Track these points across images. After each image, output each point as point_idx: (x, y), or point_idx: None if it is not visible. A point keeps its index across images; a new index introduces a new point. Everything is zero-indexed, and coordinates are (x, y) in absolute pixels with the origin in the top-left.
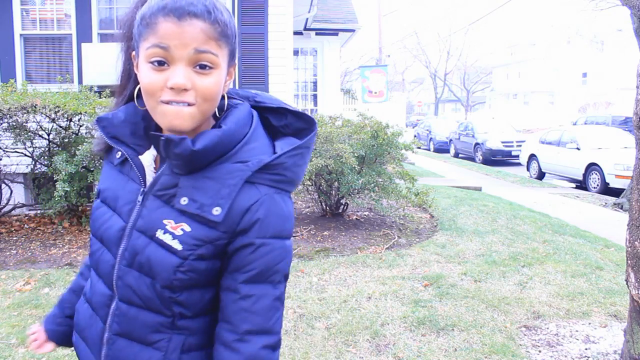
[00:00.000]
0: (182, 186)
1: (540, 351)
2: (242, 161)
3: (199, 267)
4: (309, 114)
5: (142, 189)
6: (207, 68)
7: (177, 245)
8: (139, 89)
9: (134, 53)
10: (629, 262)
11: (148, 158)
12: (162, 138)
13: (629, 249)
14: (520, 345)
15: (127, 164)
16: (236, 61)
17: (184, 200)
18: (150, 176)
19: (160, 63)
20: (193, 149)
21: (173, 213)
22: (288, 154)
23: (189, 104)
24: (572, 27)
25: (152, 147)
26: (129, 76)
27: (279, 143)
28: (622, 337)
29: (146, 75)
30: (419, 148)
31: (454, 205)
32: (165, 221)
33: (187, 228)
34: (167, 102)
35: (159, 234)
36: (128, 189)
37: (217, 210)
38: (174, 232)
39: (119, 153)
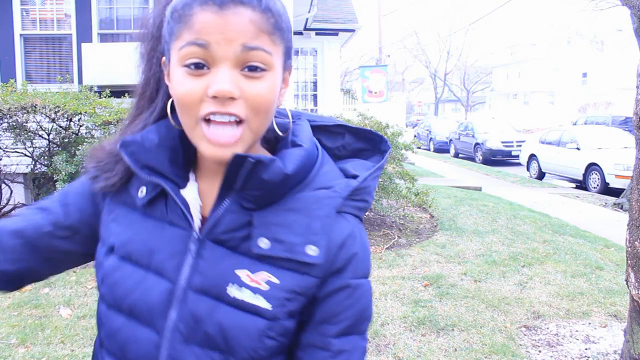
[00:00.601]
0: (258, 224)
1: (540, 351)
2: (324, 187)
3: (289, 328)
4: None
5: (193, 235)
6: (259, 70)
7: (263, 303)
8: (172, 103)
9: (164, 59)
10: (629, 262)
11: (192, 193)
12: (251, 159)
13: (629, 249)
14: (520, 345)
15: (159, 204)
16: (292, 64)
17: (264, 243)
18: (196, 216)
19: (198, 66)
20: (286, 172)
21: (247, 261)
22: (371, 177)
23: (238, 119)
24: (572, 27)
25: (193, 178)
26: (158, 87)
27: (347, 166)
28: (622, 337)
29: (180, 82)
30: (419, 148)
31: (454, 205)
32: (238, 273)
33: (274, 279)
34: (208, 117)
35: (232, 292)
36: (167, 236)
37: (312, 250)
38: (255, 286)
39: (143, 189)
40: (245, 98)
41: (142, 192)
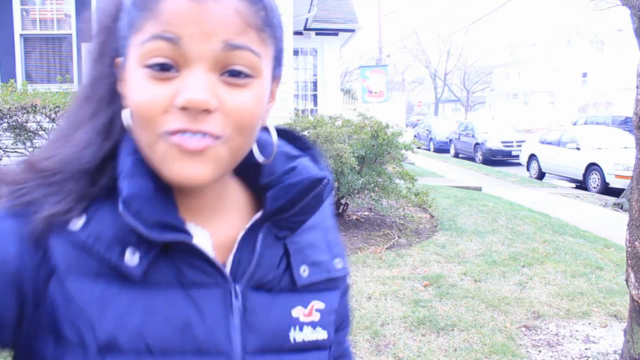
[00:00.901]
0: (293, 252)
1: (540, 351)
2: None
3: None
4: (309, 114)
5: (233, 288)
6: (243, 76)
7: (322, 334)
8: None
9: (119, 59)
10: (629, 262)
11: (204, 238)
12: (326, 179)
13: (629, 249)
14: (520, 345)
15: (159, 264)
16: (282, 72)
17: (304, 271)
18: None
19: (165, 67)
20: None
21: (296, 297)
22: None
23: (214, 137)
24: (572, 27)
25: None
26: (109, 94)
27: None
28: (622, 337)
29: (139, 88)
30: (419, 148)
31: (454, 205)
32: (294, 314)
33: (321, 304)
34: (175, 134)
35: (295, 336)
36: (198, 303)
37: (339, 263)
38: (310, 320)
39: (135, 254)
40: (225, 111)
41: (134, 256)
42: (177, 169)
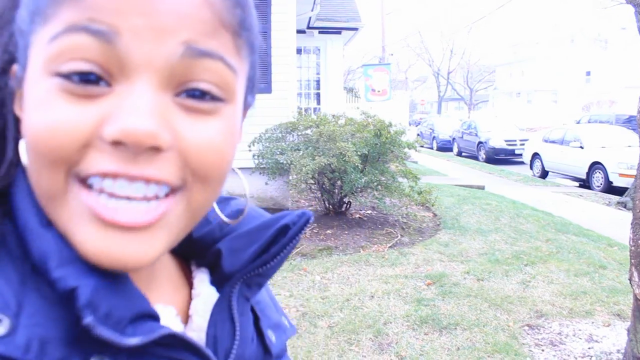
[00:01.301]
0: (260, 314)
1: (543, 350)
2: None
3: None
4: (312, 112)
5: None
6: (209, 99)
7: None
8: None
9: (15, 67)
10: (633, 260)
11: (171, 318)
12: (305, 217)
13: (633, 247)
14: (523, 344)
15: None
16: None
17: (272, 336)
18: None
19: (88, 78)
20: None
21: None
22: None
23: (169, 188)
24: (575, 26)
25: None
26: (2, 121)
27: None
28: (626, 336)
29: (44, 106)
30: (422, 147)
31: (457, 204)
32: None
33: None
34: (96, 183)
35: None
36: None
37: (285, 321)
38: None
39: None
40: (182, 150)
41: None
42: (100, 244)
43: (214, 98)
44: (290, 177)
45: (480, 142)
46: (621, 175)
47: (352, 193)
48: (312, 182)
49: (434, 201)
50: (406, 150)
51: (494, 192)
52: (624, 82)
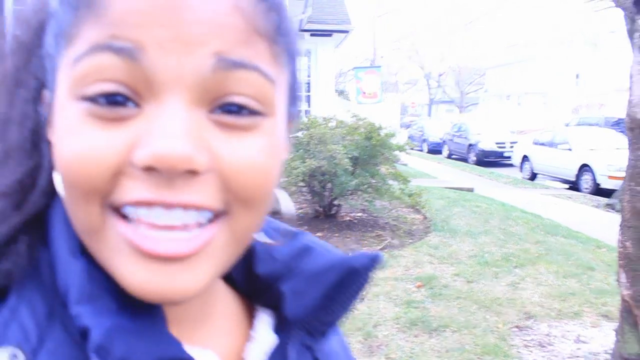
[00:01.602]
0: None
1: (531, 351)
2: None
3: None
4: (303, 115)
5: None
6: (247, 113)
7: None
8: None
9: (46, 93)
10: (621, 262)
11: (208, 358)
12: (374, 261)
13: (621, 249)
14: (512, 345)
15: None
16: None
17: None
18: None
19: (116, 100)
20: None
21: None
22: None
23: (211, 214)
24: (565, 29)
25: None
26: (33, 147)
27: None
28: (613, 337)
29: (73, 133)
30: (412, 149)
31: (447, 206)
32: None
33: None
34: (131, 214)
35: None
36: None
37: None
38: None
39: None
40: (222, 172)
41: None
42: (142, 278)
43: (252, 112)
44: (281, 180)
45: (470, 145)
46: (610, 177)
47: (343, 196)
48: (303, 184)
49: (424, 204)
50: (397, 152)
51: (484, 194)
52: (613, 85)
